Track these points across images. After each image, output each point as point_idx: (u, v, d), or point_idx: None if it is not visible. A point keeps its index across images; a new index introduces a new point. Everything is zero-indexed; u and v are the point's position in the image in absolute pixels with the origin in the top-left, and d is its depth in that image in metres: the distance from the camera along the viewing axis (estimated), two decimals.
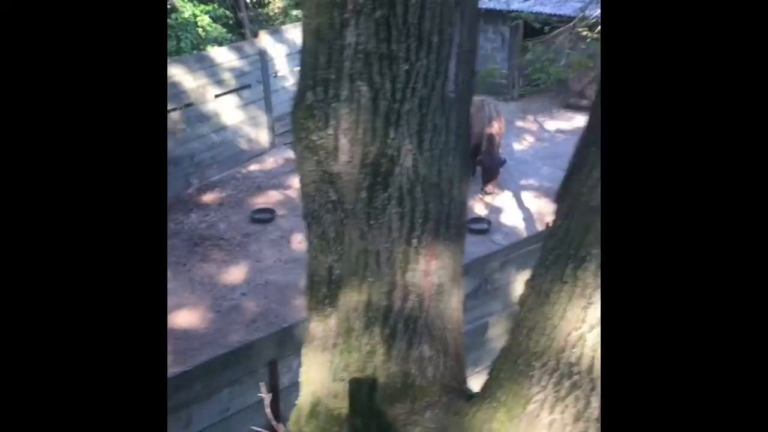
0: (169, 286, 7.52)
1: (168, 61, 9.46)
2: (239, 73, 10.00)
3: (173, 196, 9.38)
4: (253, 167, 10.30)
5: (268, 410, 2.17)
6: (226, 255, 8.10)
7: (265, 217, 8.84)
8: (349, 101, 1.56)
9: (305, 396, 1.88)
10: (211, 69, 9.61)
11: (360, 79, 1.54)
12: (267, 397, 2.21)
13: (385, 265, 1.62)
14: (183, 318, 7.01)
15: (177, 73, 9.18)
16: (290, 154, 10.61)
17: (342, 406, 1.72)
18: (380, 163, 1.57)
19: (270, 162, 10.43)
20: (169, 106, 9.29)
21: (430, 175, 1.60)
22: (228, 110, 9.98)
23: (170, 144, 9.28)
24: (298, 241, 8.32)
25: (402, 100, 1.54)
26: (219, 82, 9.77)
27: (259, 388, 4.37)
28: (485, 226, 8.77)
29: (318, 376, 1.80)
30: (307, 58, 1.71)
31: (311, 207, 1.76)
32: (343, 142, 1.60)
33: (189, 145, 9.54)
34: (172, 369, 6.41)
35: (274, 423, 2.21)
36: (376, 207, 1.60)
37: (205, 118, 9.70)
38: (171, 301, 7.24)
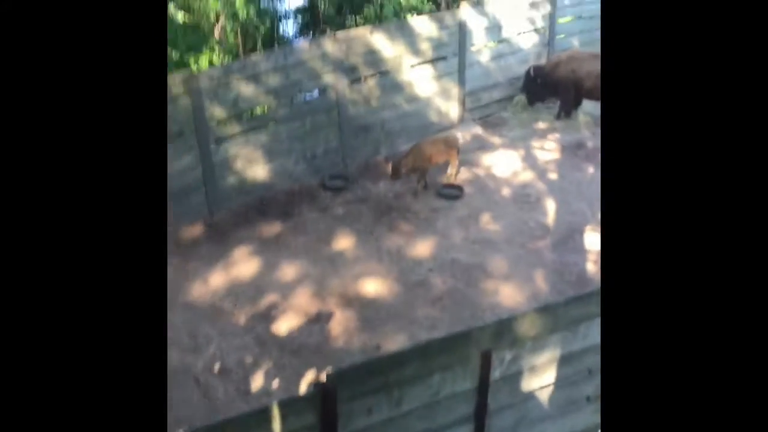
0: (357, 253, 7.59)
1: (371, 27, 9.45)
2: (437, 44, 9.83)
3: (362, 162, 9.45)
4: None
5: None
6: (413, 228, 8.04)
7: (453, 193, 8.68)
8: None
9: None
10: (410, 38, 9.51)
11: None
12: None
13: None
14: (370, 286, 7.03)
15: (378, 40, 9.16)
16: (479, 130, 10.37)
17: None
18: None
19: (458, 136, 10.21)
20: (368, 72, 9.31)
21: None
22: (421, 81, 9.87)
23: (363, 111, 9.34)
24: (486, 222, 8.10)
25: None
26: (416, 52, 9.66)
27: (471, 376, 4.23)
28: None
29: None
30: None
31: None
32: None
33: (381, 113, 9.54)
34: (359, 336, 6.47)
35: None
36: None
37: (399, 87, 9.65)
38: (358, 268, 7.30)
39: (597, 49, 11.38)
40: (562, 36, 11.59)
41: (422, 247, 7.65)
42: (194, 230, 7.90)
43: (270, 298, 6.85)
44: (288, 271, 7.25)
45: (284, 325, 6.50)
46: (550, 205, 8.36)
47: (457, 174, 8.94)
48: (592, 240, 7.62)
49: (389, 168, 8.61)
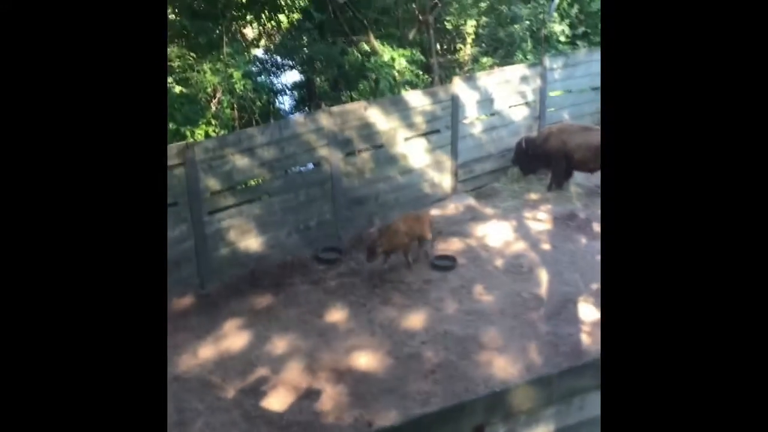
0: (349, 325, 7.49)
1: (367, 102, 9.64)
2: (430, 118, 10.01)
3: (356, 234, 9.45)
4: (435, 212, 10.18)
5: None
6: (406, 299, 7.97)
7: (446, 264, 8.66)
8: None
9: None
10: (404, 112, 9.69)
11: None
12: None
13: None
14: (362, 360, 6.91)
15: (373, 114, 9.32)
16: (471, 201, 10.43)
17: None
18: None
19: (451, 208, 10.27)
20: (363, 146, 9.44)
21: None
22: (415, 153, 10.00)
23: (357, 183, 9.42)
24: (479, 293, 8.04)
25: None
26: (410, 126, 9.82)
27: None
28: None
29: None
30: None
31: None
32: None
33: (375, 185, 9.62)
34: (350, 412, 6.32)
35: None
36: None
37: (393, 160, 9.76)
38: (350, 341, 7.19)
39: (587, 122, 11.61)
40: (553, 109, 11.83)
41: (415, 319, 7.56)
42: (185, 301, 7.83)
43: (260, 372, 6.72)
44: (279, 344, 7.14)
45: (274, 400, 6.34)
46: (543, 276, 8.33)
47: (432, 247, 8.89)
48: (586, 311, 7.55)
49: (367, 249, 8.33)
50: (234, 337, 7.26)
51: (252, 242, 8.53)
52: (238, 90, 10.92)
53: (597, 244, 9.10)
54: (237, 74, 10.66)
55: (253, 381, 6.59)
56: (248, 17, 13.23)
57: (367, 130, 9.36)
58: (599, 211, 10.07)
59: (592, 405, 4.42)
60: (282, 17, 14.30)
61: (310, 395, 6.42)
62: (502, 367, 6.73)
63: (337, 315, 7.68)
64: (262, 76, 13.55)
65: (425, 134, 10.08)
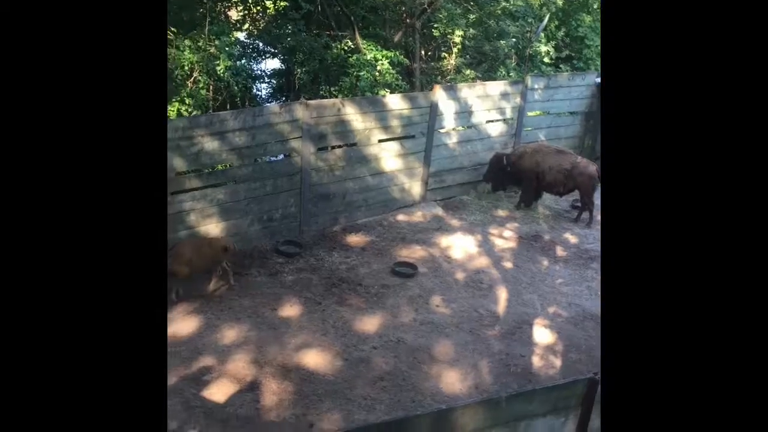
0: (301, 322, 7.37)
1: (343, 99, 9.52)
2: (407, 122, 9.94)
3: (318, 231, 9.34)
4: (401, 217, 10.11)
5: None
6: (362, 302, 7.87)
7: (406, 271, 8.58)
8: None
9: None
10: (381, 113, 9.59)
11: None
12: None
13: None
14: (311, 358, 6.79)
15: (350, 112, 9.21)
16: (439, 211, 10.38)
17: None
18: None
19: (418, 215, 10.21)
20: (336, 143, 9.33)
21: None
22: (388, 156, 9.91)
23: (326, 179, 9.30)
24: (436, 304, 7.98)
25: None
26: (386, 128, 9.73)
27: None
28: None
29: None
30: None
31: None
32: None
33: (344, 183, 9.51)
34: (293, 410, 6.19)
35: None
36: None
37: (364, 160, 9.66)
38: (301, 338, 7.07)
39: (562, 145, 11.64)
40: (530, 129, 11.84)
41: (369, 323, 7.47)
42: None
43: (205, 360, 6.56)
44: (228, 333, 6.99)
45: (216, 391, 6.19)
46: (502, 294, 8.30)
47: (228, 281, 7.80)
48: (540, 333, 7.54)
49: None
50: (183, 322, 7.08)
51: (213, 227, 8.36)
52: (217, 71, 10.71)
53: (558, 268, 9.12)
54: (219, 55, 10.46)
55: (197, 369, 6.43)
56: None
57: (342, 127, 9.25)
58: (564, 235, 10.12)
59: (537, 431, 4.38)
60: (269, 3, 14.11)
61: (253, 389, 6.28)
62: (451, 381, 6.67)
63: (290, 310, 7.55)
64: (243, 60, 13.32)
65: (400, 138, 10.00)
